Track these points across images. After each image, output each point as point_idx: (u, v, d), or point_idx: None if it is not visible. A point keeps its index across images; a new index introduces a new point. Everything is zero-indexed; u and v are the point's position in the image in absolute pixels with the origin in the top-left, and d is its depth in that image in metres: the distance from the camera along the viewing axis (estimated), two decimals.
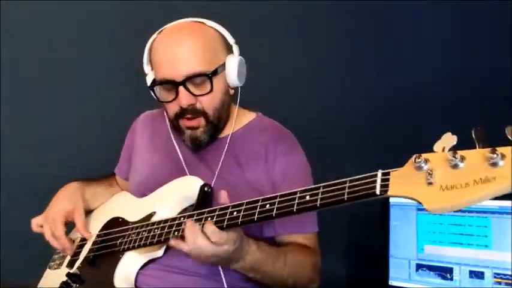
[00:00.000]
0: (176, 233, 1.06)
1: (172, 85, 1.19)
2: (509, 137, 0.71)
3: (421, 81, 1.73)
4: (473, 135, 0.74)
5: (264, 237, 1.22)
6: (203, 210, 1.05)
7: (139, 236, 1.15)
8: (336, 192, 0.86)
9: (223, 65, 1.22)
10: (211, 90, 1.19)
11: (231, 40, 1.26)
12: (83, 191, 1.36)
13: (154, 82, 1.24)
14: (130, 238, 1.18)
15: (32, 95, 1.99)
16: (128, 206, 1.31)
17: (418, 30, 1.75)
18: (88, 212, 1.38)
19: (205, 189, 1.13)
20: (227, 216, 0.99)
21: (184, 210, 1.17)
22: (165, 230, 1.10)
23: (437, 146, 0.78)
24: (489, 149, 0.71)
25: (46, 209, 1.32)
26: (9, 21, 1.99)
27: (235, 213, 0.99)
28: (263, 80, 1.76)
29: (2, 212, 1.95)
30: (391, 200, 1.47)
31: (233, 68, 1.22)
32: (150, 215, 1.20)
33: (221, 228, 0.99)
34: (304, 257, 1.19)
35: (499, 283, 1.28)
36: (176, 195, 1.20)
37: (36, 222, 1.32)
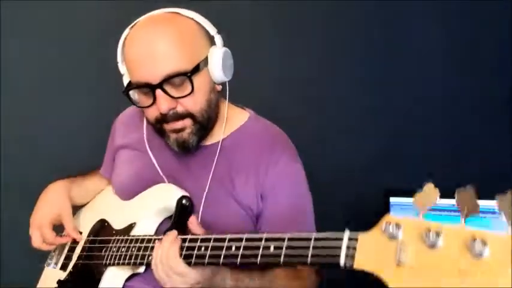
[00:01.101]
0: (150, 257, 1.03)
1: (148, 88, 1.06)
2: (498, 208, 0.62)
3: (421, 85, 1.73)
4: (456, 198, 0.65)
5: None
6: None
7: (119, 253, 1.11)
8: (300, 251, 0.81)
9: (206, 59, 1.10)
10: (192, 90, 1.06)
11: (212, 30, 1.13)
12: (69, 189, 1.30)
13: (129, 86, 1.12)
14: (111, 253, 1.13)
15: (32, 95, 1.98)
16: (113, 209, 1.27)
17: (418, 32, 1.76)
18: (79, 207, 1.35)
19: (183, 202, 1.08)
20: (195, 252, 0.95)
21: (165, 220, 1.14)
22: (141, 253, 1.07)
23: (417, 200, 0.68)
24: (470, 237, 0.62)
25: (32, 215, 1.27)
26: (9, 21, 1.98)
27: (203, 248, 0.94)
28: (262, 80, 1.76)
29: (2, 212, 1.95)
30: (391, 200, 1.46)
31: (217, 62, 1.10)
32: (131, 226, 1.16)
33: (189, 264, 0.95)
34: (293, 282, 1.10)
35: None
36: (155, 206, 1.15)
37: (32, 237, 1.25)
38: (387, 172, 1.71)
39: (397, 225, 0.68)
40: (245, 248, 0.89)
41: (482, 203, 1.32)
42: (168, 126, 1.10)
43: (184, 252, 0.96)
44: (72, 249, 1.29)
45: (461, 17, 1.67)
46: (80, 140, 1.97)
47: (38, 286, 1.35)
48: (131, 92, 1.13)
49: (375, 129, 1.78)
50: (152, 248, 1.03)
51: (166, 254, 0.96)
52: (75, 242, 1.28)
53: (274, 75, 1.86)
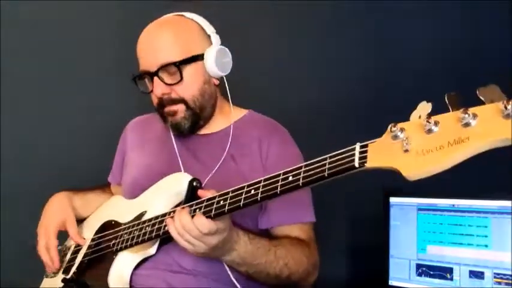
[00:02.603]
0: (166, 227, 1.06)
1: (149, 76, 1.23)
2: (481, 98, 0.71)
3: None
4: (446, 100, 0.74)
5: (259, 229, 1.23)
6: (191, 203, 1.05)
7: (131, 235, 1.16)
8: (317, 170, 0.87)
9: (203, 54, 1.24)
10: (181, 79, 1.21)
11: (208, 30, 1.27)
12: (71, 199, 1.37)
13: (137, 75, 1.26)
14: (122, 238, 1.19)
15: (32, 96, 1.98)
16: (119, 209, 1.31)
17: (418, 29, 1.76)
18: (81, 220, 1.39)
19: (194, 183, 1.14)
20: (214, 206, 1.01)
21: (175, 207, 1.16)
22: (156, 226, 1.11)
23: (413, 115, 0.78)
24: (461, 110, 0.72)
25: (39, 224, 1.33)
26: (9, 20, 1.98)
27: (221, 201, 1.00)
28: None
29: (2, 213, 1.95)
30: (391, 200, 1.47)
31: (210, 57, 1.23)
32: (142, 214, 1.21)
33: (209, 217, 1.00)
34: (296, 248, 1.18)
35: (499, 283, 1.28)
36: (166, 192, 1.20)
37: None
38: (387, 172, 1.71)
39: (401, 129, 0.78)
40: (264, 186, 0.95)
41: (482, 203, 1.33)
42: (165, 110, 1.25)
43: (203, 210, 1.01)
44: (75, 253, 1.31)
45: (461, 16, 1.67)
46: (78, 142, 1.97)
47: None
48: (142, 80, 1.27)
49: (375, 129, 1.78)
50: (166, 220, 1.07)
51: (181, 223, 1.01)
52: (78, 246, 1.32)
53: (275, 74, 1.86)
